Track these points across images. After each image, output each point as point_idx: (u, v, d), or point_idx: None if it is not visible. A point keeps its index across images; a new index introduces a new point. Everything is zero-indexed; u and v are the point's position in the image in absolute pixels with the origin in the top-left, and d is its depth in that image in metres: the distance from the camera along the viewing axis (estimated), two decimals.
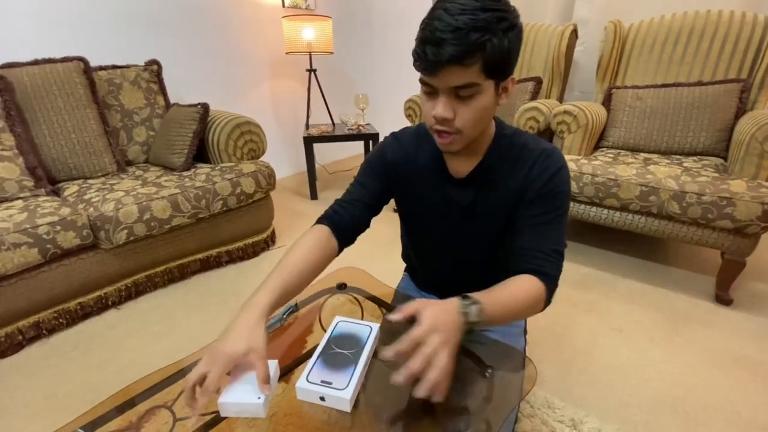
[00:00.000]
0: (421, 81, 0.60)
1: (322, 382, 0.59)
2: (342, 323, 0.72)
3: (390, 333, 0.75)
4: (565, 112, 1.69)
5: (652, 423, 1.01)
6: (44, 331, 1.34)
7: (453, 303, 0.57)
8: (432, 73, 0.57)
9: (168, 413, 0.64)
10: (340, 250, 0.74)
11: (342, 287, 0.93)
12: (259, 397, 0.52)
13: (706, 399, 1.07)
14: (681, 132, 1.73)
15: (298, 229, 2.15)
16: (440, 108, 0.59)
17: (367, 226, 0.79)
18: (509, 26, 0.56)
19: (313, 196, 2.59)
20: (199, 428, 0.61)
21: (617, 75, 2.03)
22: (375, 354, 0.69)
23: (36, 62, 1.61)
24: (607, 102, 1.95)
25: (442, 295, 0.90)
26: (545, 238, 0.67)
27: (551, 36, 2.12)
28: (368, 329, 0.70)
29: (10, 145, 1.44)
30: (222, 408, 0.55)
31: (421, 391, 0.49)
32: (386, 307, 0.86)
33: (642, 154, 1.78)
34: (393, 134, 0.81)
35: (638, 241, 1.93)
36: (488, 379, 0.66)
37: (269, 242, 1.95)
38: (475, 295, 0.59)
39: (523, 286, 0.64)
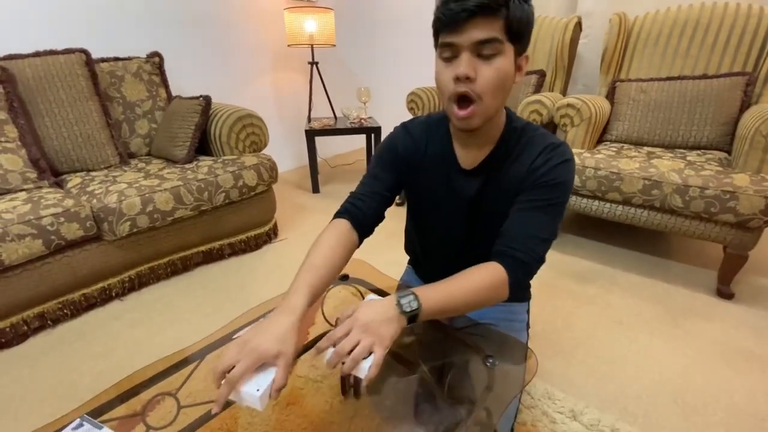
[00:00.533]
0: (442, 45, 0.61)
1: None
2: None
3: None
4: (569, 105, 1.68)
5: (650, 413, 1.02)
6: (49, 322, 1.35)
7: (389, 300, 0.58)
8: (456, 28, 0.57)
9: (172, 401, 0.65)
10: (360, 242, 0.75)
11: (345, 279, 0.93)
12: (257, 390, 0.52)
13: (704, 390, 1.08)
14: (685, 126, 1.72)
15: (301, 222, 2.16)
16: (463, 66, 0.58)
17: (383, 217, 0.79)
18: None
19: (315, 189, 2.59)
20: (201, 416, 0.62)
21: (621, 68, 2.02)
22: (401, 335, 0.70)
23: (38, 54, 1.60)
24: (610, 95, 1.94)
25: None
26: (528, 223, 0.66)
27: (555, 28, 2.10)
28: None
29: (13, 137, 1.45)
30: (232, 393, 0.54)
31: (345, 369, 0.52)
32: None
33: (645, 147, 1.77)
34: (403, 125, 0.81)
35: (640, 235, 1.93)
36: (490, 368, 0.67)
37: (271, 235, 1.95)
38: (414, 288, 0.60)
39: (478, 274, 0.64)
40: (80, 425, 0.57)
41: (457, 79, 0.60)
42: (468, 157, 0.73)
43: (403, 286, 0.94)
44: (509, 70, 0.61)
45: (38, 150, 1.52)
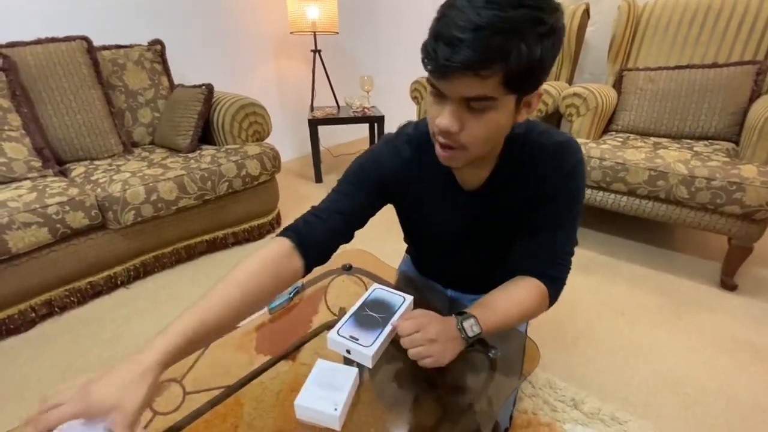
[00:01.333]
0: (429, 81, 0.50)
1: (351, 337, 0.65)
2: (378, 290, 0.76)
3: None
4: (575, 94, 1.66)
5: (651, 403, 1.02)
6: (56, 309, 1.37)
7: (450, 320, 0.60)
8: (441, 78, 0.47)
9: (178, 387, 0.66)
10: (308, 269, 0.61)
11: (348, 268, 0.94)
12: (335, 408, 0.54)
13: (706, 381, 1.09)
14: (693, 116, 1.70)
15: (304, 212, 2.16)
16: (446, 119, 0.49)
17: (348, 240, 0.66)
18: (547, 31, 0.44)
19: (318, 179, 2.59)
20: (206, 402, 0.63)
21: (629, 56, 1.98)
22: None
23: (39, 41, 1.59)
24: (618, 84, 1.91)
25: (444, 283, 0.90)
26: (557, 239, 0.65)
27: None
28: (401, 299, 0.74)
29: (17, 126, 1.45)
30: (298, 410, 0.57)
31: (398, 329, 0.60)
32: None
33: (652, 138, 1.75)
34: (390, 143, 0.69)
35: (644, 226, 1.92)
36: (492, 358, 0.68)
37: (274, 224, 1.96)
38: (472, 309, 0.61)
39: (522, 291, 0.64)
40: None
41: (438, 128, 0.51)
42: (469, 178, 0.66)
43: (404, 275, 0.95)
44: (504, 122, 0.51)
45: (42, 139, 1.52)
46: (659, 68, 1.81)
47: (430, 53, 0.46)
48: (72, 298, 1.40)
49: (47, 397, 0.41)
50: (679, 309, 1.37)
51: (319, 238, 0.62)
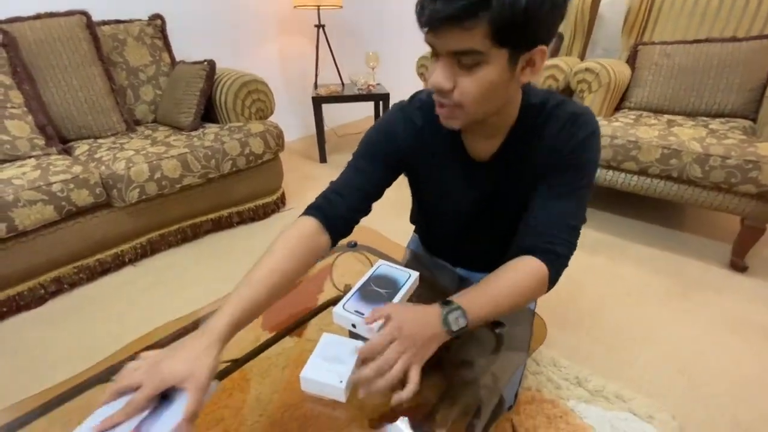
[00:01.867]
0: (425, 40, 0.50)
1: (356, 311, 0.64)
2: (384, 266, 0.76)
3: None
4: (587, 69, 1.60)
5: (656, 382, 1.02)
6: (66, 286, 1.39)
7: (433, 312, 0.53)
8: (430, 32, 0.48)
9: None
10: (334, 244, 0.65)
11: (353, 246, 0.93)
12: (341, 381, 0.53)
13: (713, 362, 1.08)
14: (709, 92, 1.64)
15: (309, 192, 2.15)
16: (438, 75, 0.50)
17: (367, 213, 0.69)
18: None
19: (322, 159, 2.56)
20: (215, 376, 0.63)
21: (645, 30, 1.91)
22: (410, 299, 0.72)
23: (38, 16, 1.56)
24: (632, 60, 1.84)
25: (453, 261, 0.89)
26: (562, 212, 0.61)
27: None
28: (407, 275, 0.73)
29: (19, 103, 1.43)
30: (303, 382, 0.56)
31: (362, 392, 0.49)
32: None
33: (666, 115, 1.70)
34: (402, 110, 0.69)
35: (653, 206, 1.89)
36: (498, 335, 0.67)
37: (279, 204, 1.95)
38: (459, 298, 0.55)
39: (520, 275, 0.59)
40: None
41: (433, 86, 0.52)
42: (479, 148, 0.65)
43: (412, 253, 0.94)
44: (499, 80, 0.50)
45: (44, 116, 1.50)
46: (676, 42, 1.74)
47: (419, 8, 0.47)
48: (81, 275, 1.42)
49: (120, 377, 0.45)
50: (687, 290, 1.36)
51: (341, 214, 0.65)
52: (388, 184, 0.70)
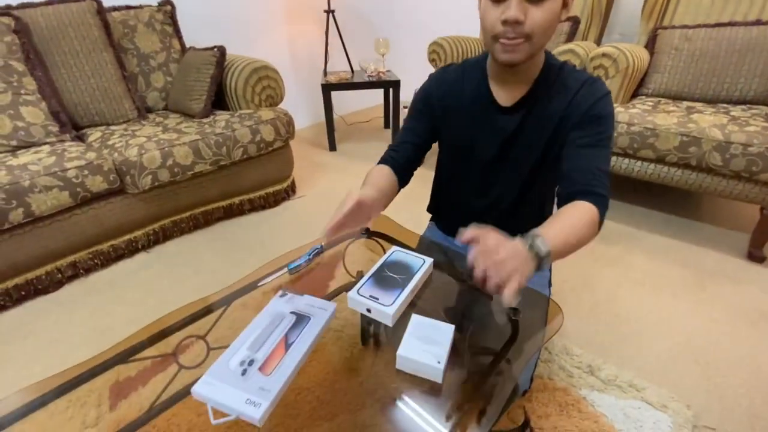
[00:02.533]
0: None
1: (371, 296, 0.65)
2: (397, 252, 0.76)
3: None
4: (604, 54, 1.56)
5: (669, 372, 1.01)
6: (81, 271, 1.41)
7: (518, 242, 0.54)
8: None
9: (202, 343, 0.67)
10: (400, 186, 0.82)
11: (365, 232, 0.93)
12: (438, 362, 0.54)
13: (728, 352, 1.07)
14: (731, 78, 1.59)
15: (319, 180, 2.15)
16: (513, 9, 0.58)
17: (420, 163, 0.86)
18: None
19: (332, 147, 2.55)
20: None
21: (665, 14, 1.84)
22: (424, 287, 0.72)
23: (50, 2, 1.56)
24: (650, 44, 1.79)
25: None
26: (592, 158, 0.67)
27: None
28: (421, 261, 0.74)
29: (32, 89, 1.44)
30: (399, 360, 0.57)
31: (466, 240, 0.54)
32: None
33: (685, 102, 1.65)
34: (438, 71, 0.83)
35: (669, 195, 1.85)
36: (514, 320, 0.67)
37: (289, 192, 1.95)
38: (534, 231, 0.57)
39: (576, 213, 0.64)
40: (284, 294, 0.68)
41: (506, 23, 0.59)
42: (505, 94, 0.73)
43: (426, 240, 0.93)
44: (557, 11, 0.61)
45: (58, 103, 1.51)
46: (698, 26, 1.68)
47: None
48: (96, 261, 1.44)
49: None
50: (704, 280, 1.33)
51: (402, 164, 0.81)
52: (434, 139, 0.84)
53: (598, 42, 2.02)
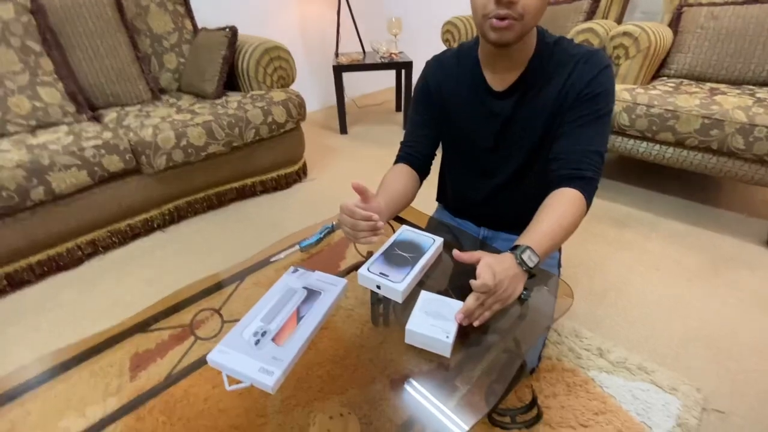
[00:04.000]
0: None
1: (381, 273, 0.66)
2: (407, 231, 0.77)
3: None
4: (625, 33, 1.50)
5: (681, 355, 1.01)
6: (100, 249, 1.46)
7: (508, 257, 0.59)
8: None
9: (216, 316, 0.69)
10: (421, 179, 0.85)
11: None
12: (447, 336, 0.55)
13: (741, 337, 1.05)
14: (759, 58, 1.52)
15: (330, 163, 2.15)
16: None
17: (435, 154, 0.87)
18: None
19: (343, 130, 2.54)
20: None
21: None
22: (433, 266, 0.73)
23: None
24: (674, 23, 1.72)
25: (476, 221, 0.90)
26: (583, 139, 0.67)
27: None
28: (431, 241, 0.74)
29: (49, 70, 1.46)
30: (408, 335, 0.58)
31: (463, 320, 0.58)
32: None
33: (708, 83, 1.60)
34: (435, 57, 0.82)
35: (687, 180, 1.80)
36: (523, 300, 0.67)
37: (301, 175, 1.96)
38: (524, 242, 0.61)
39: (561, 206, 0.64)
40: (295, 270, 0.70)
41: (499, 2, 0.57)
42: (498, 79, 0.72)
43: (435, 220, 0.93)
44: None
45: (74, 83, 1.53)
46: (725, 3, 1.61)
47: None
48: (114, 239, 1.48)
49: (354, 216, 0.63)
50: (719, 267, 1.31)
51: (419, 159, 0.84)
52: (440, 126, 0.83)
53: (619, 21, 1.95)
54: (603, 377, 0.95)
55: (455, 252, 0.61)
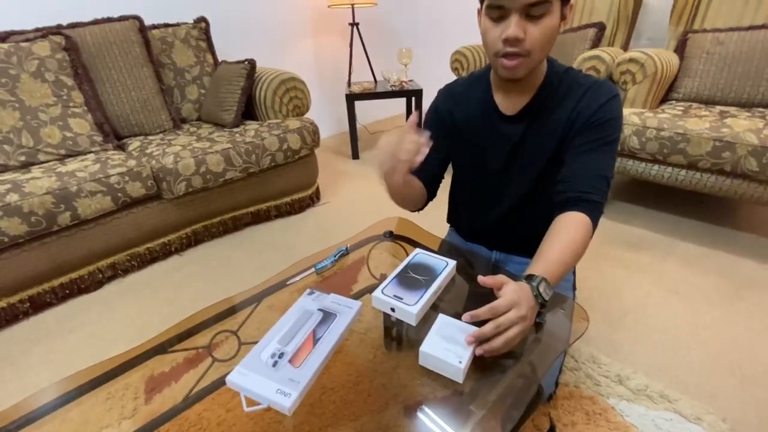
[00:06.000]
0: (490, 6, 0.61)
1: (395, 296, 0.67)
2: (421, 254, 0.78)
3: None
4: (631, 60, 1.54)
5: (704, 383, 0.98)
6: (120, 272, 1.50)
7: (525, 287, 0.58)
8: None
9: (234, 338, 0.70)
10: (428, 200, 0.89)
11: (389, 235, 0.95)
12: (460, 362, 0.55)
13: (767, 364, 1.02)
14: (767, 81, 1.53)
15: (342, 187, 2.19)
16: (513, 28, 0.60)
17: (443, 177, 0.90)
18: None
19: (355, 155, 2.60)
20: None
21: (695, 18, 1.80)
22: (446, 289, 0.73)
23: (96, 22, 1.68)
24: (680, 49, 1.75)
25: (488, 244, 0.91)
26: (590, 164, 0.68)
27: None
28: (444, 264, 0.75)
29: (80, 102, 1.55)
30: (422, 356, 0.59)
31: (479, 350, 0.56)
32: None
33: (717, 107, 1.61)
34: (446, 85, 0.86)
35: (702, 202, 1.78)
36: (539, 323, 0.67)
37: (314, 199, 2.00)
38: (537, 270, 0.60)
39: (570, 231, 0.65)
40: (311, 292, 0.72)
41: (506, 41, 0.61)
42: (509, 104, 0.75)
43: (447, 243, 0.94)
44: (556, 25, 0.62)
45: (102, 115, 1.62)
46: (730, 29, 1.64)
47: None
48: (133, 262, 1.52)
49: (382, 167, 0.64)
50: (740, 290, 1.28)
51: (429, 180, 0.86)
52: (449, 150, 0.86)
53: (625, 48, 1.99)
54: (623, 405, 0.92)
55: (480, 277, 0.60)
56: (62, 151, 1.48)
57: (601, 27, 1.92)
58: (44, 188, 1.24)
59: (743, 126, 1.33)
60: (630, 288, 1.31)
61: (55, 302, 1.37)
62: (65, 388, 0.62)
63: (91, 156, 1.47)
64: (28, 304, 1.32)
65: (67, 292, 1.39)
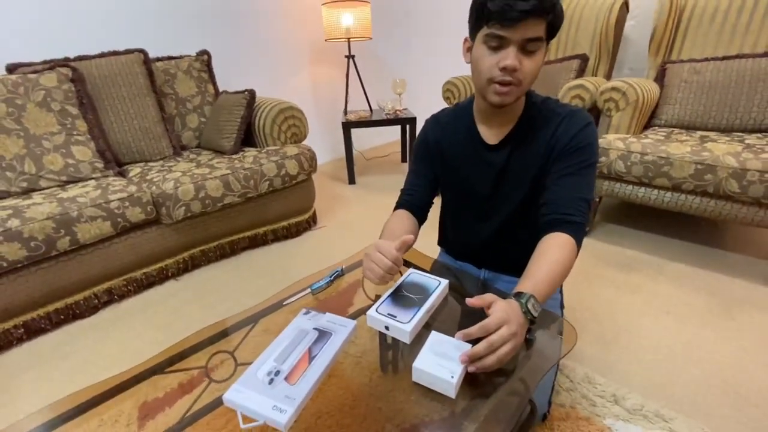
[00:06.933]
0: (489, 35, 0.66)
1: (389, 314, 0.68)
2: (414, 274, 0.80)
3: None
4: (613, 88, 1.62)
5: (699, 402, 0.98)
6: (116, 297, 1.50)
7: (515, 305, 0.60)
8: (512, 24, 0.63)
9: (230, 359, 0.71)
10: (420, 224, 0.92)
11: None
12: (452, 377, 0.56)
13: (761, 382, 1.02)
14: (744, 107, 1.61)
15: (338, 212, 2.23)
16: (511, 59, 0.65)
17: (432, 199, 0.95)
18: None
19: (351, 181, 2.65)
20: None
21: (672, 49, 1.91)
22: (439, 308, 0.75)
23: (102, 55, 1.76)
24: (659, 78, 1.85)
25: (478, 263, 0.94)
26: (570, 187, 0.72)
27: (599, 10, 2.02)
28: (437, 283, 0.77)
29: (83, 131, 1.60)
30: (415, 372, 0.60)
31: (472, 368, 0.57)
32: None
33: (698, 132, 1.68)
34: (433, 115, 0.91)
35: (690, 223, 1.83)
36: (528, 340, 0.68)
37: (311, 223, 2.03)
38: (526, 288, 0.62)
39: (555, 251, 0.68)
40: (307, 312, 0.73)
41: (504, 69, 0.66)
42: (491, 133, 0.80)
43: (439, 263, 0.97)
44: (541, 62, 0.69)
45: (104, 142, 1.66)
46: (706, 59, 1.74)
47: (504, 8, 0.61)
48: (129, 287, 1.52)
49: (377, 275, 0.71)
50: (731, 309, 1.30)
51: (418, 205, 0.91)
52: (438, 176, 0.91)
53: (608, 77, 2.09)
54: (620, 425, 0.92)
55: (468, 299, 0.62)
56: (64, 178, 1.51)
57: (584, 58, 2.02)
58: (45, 213, 1.27)
59: (723, 150, 1.39)
60: (623, 308, 1.33)
61: (49, 328, 1.36)
62: (56, 412, 0.62)
63: (92, 182, 1.50)
64: (23, 329, 1.31)
65: (62, 317, 1.38)
